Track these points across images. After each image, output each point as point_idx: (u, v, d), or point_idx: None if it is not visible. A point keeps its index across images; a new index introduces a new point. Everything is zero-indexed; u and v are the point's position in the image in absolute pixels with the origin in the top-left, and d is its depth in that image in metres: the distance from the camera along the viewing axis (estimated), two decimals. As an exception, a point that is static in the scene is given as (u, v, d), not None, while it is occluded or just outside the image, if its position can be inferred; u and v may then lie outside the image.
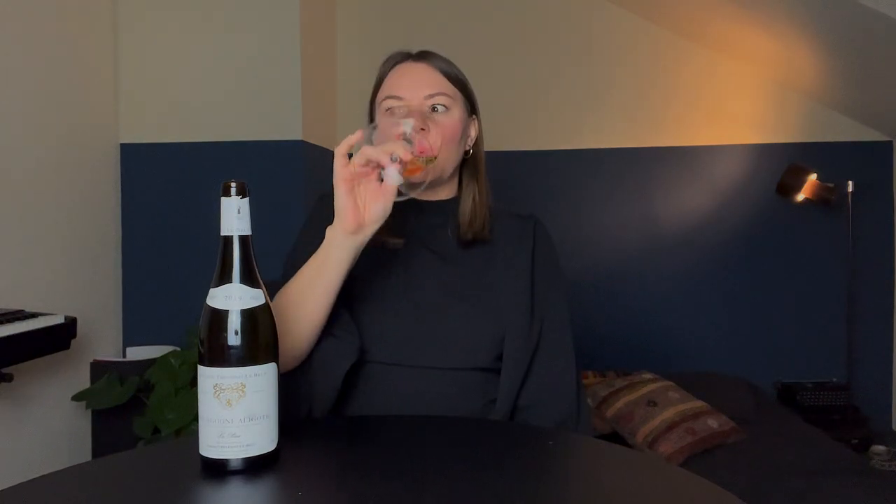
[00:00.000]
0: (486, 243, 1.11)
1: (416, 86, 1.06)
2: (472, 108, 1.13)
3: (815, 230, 3.14)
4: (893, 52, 2.39)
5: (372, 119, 1.13)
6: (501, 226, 1.13)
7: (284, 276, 1.01)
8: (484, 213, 1.11)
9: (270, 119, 2.65)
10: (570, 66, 3.24)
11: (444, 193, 1.13)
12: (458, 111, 1.08)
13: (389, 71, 1.09)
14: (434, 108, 1.06)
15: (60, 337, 1.98)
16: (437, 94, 1.06)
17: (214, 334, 0.75)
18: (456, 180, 1.14)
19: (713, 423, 2.39)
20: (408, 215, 1.11)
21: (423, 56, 1.09)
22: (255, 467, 0.75)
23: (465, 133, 1.10)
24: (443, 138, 1.05)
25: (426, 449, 0.82)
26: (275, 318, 0.79)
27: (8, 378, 1.81)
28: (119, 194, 2.66)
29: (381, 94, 1.09)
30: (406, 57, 1.09)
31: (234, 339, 0.75)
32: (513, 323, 1.05)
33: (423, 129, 1.03)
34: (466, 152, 1.13)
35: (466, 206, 1.10)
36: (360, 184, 0.89)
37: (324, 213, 1.12)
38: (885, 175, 3.12)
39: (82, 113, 2.46)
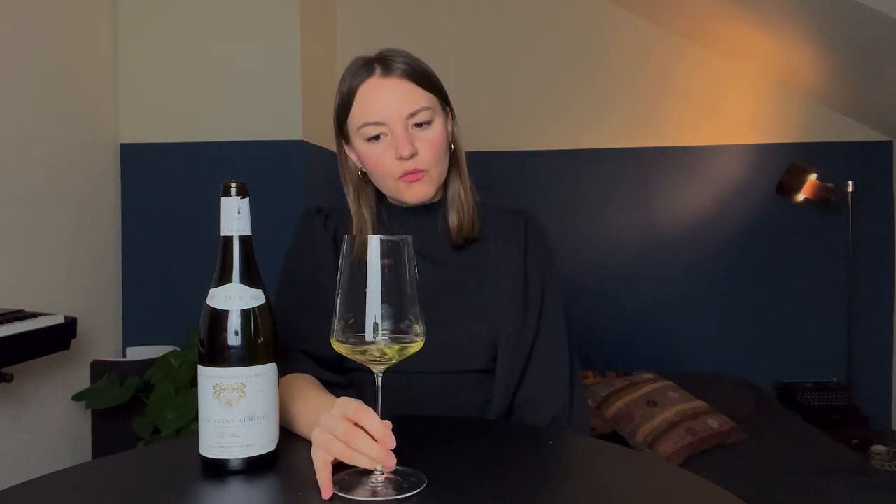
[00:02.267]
0: (477, 242, 1.09)
1: (392, 105, 0.99)
2: (445, 102, 1.07)
3: (815, 230, 3.14)
4: (893, 52, 2.39)
5: (342, 134, 1.06)
6: (493, 223, 1.12)
7: (279, 305, 0.98)
8: (472, 213, 1.08)
9: (270, 119, 2.65)
10: (569, 66, 3.24)
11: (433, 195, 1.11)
12: (439, 119, 1.03)
13: (357, 89, 1.01)
14: (418, 125, 1.01)
15: (60, 337, 1.98)
16: (418, 110, 1.00)
17: (214, 334, 0.75)
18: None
19: (713, 423, 2.39)
20: (394, 219, 1.10)
21: (387, 68, 1.00)
22: (255, 467, 0.75)
23: (448, 134, 1.06)
24: (431, 157, 1.02)
25: (426, 449, 0.82)
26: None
27: (8, 378, 1.81)
28: (119, 194, 2.66)
29: (354, 118, 1.02)
30: (370, 71, 1.01)
31: (234, 339, 0.75)
32: (507, 322, 1.05)
33: (413, 156, 1.00)
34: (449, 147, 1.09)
35: (454, 212, 1.07)
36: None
37: (311, 233, 1.11)
38: (885, 175, 3.12)
39: (82, 113, 2.46)
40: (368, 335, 0.70)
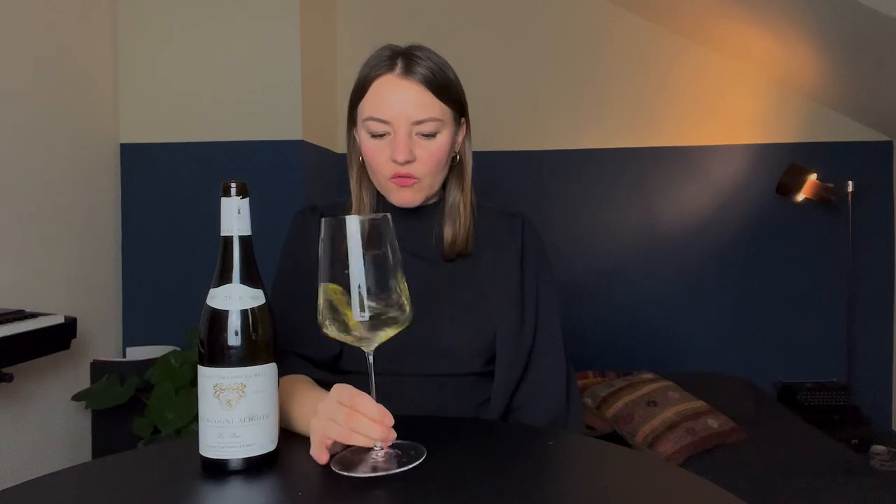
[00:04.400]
0: (474, 246, 1.09)
1: (402, 108, 0.98)
2: (460, 113, 1.06)
3: (815, 230, 3.14)
4: (893, 52, 2.39)
5: (352, 120, 1.05)
6: (489, 225, 1.11)
7: (273, 306, 0.96)
8: (468, 229, 1.07)
9: (270, 119, 2.65)
10: (569, 66, 3.24)
11: (429, 198, 1.09)
12: (446, 132, 1.02)
13: (374, 81, 1.00)
14: (423, 134, 1.00)
15: (60, 337, 1.98)
16: (426, 120, 0.99)
17: (214, 334, 0.75)
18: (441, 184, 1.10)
19: (713, 423, 2.39)
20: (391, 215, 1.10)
21: (409, 69, 0.98)
22: (255, 467, 0.75)
23: (451, 147, 1.05)
24: (427, 167, 1.01)
25: (426, 448, 0.82)
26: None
27: (8, 378, 1.81)
28: (119, 194, 2.66)
29: (364, 108, 1.01)
30: (392, 66, 0.99)
31: (234, 340, 0.75)
32: (503, 326, 1.05)
33: (409, 162, 0.99)
34: (453, 158, 1.07)
35: (450, 224, 1.06)
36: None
37: (304, 232, 1.10)
38: (885, 175, 3.12)
39: (82, 113, 2.46)
40: (355, 315, 0.70)
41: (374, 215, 0.72)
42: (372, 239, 0.71)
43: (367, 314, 0.70)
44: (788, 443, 2.37)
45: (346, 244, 0.70)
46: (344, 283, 0.70)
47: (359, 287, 0.70)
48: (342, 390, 0.76)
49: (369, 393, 0.76)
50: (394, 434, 0.72)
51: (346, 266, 0.70)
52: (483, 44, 3.20)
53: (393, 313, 0.71)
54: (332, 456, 0.76)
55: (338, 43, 3.25)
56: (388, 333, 0.73)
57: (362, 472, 0.70)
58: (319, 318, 0.73)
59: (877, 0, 2.12)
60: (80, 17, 2.44)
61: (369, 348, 0.74)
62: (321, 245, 0.73)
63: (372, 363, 0.75)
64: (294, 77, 2.65)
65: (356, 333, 0.71)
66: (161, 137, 2.66)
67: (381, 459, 0.72)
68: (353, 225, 0.70)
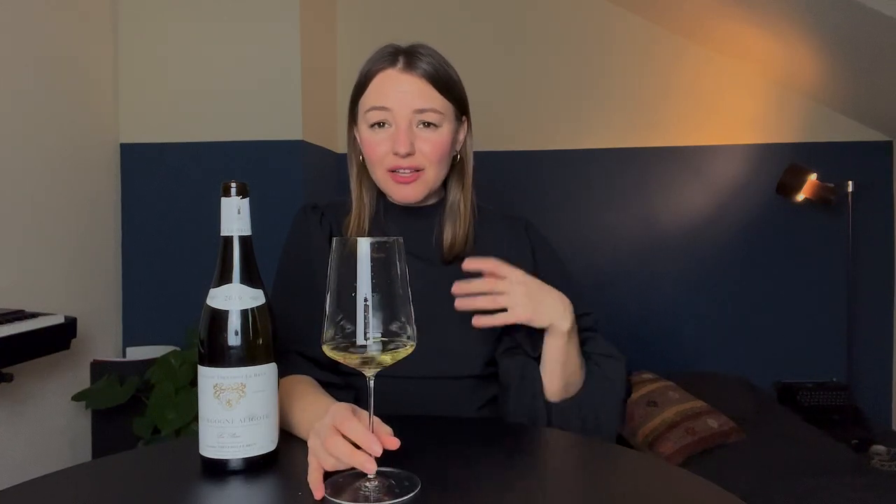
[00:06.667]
0: (473, 248, 1.08)
1: (404, 98, 0.99)
2: (462, 111, 1.06)
3: (815, 230, 3.14)
4: (893, 52, 2.39)
5: (353, 118, 1.06)
6: (491, 228, 1.11)
7: (275, 305, 0.90)
8: (467, 229, 1.07)
9: (270, 119, 2.65)
10: (569, 66, 3.24)
11: (430, 198, 1.09)
12: (447, 125, 1.02)
13: (375, 76, 1.01)
14: (423, 124, 1.00)
15: (60, 337, 1.98)
16: (427, 110, 0.99)
17: (214, 334, 0.75)
18: (442, 184, 1.10)
19: (713, 423, 2.39)
20: (391, 216, 1.09)
21: (410, 64, 1.00)
22: (255, 467, 0.75)
23: (454, 144, 1.05)
24: (431, 157, 1.01)
25: (426, 449, 0.82)
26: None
27: (8, 378, 1.81)
28: (119, 194, 2.66)
29: (365, 101, 1.02)
30: (394, 61, 1.00)
31: (234, 340, 0.75)
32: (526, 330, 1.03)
33: (410, 154, 0.99)
34: (454, 157, 1.07)
35: (450, 225, 1.06)
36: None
37: (306, 231, 1.10)
38: (885, 175, 3.12)
39: (82, 113, 2.46)
40: (359, 339, 0.68)
41: (385, 239, 0.69)
42: (382, 263, 0.69)
43: (370, 339, 0.68)
44: (788, 443, 2.37)
45: (355, 267, 0.68)
46: (350, 306, 0.68)
47: (364, 312, 0.68)
48: (337, 412, 0.74)
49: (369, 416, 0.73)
50: (373, 464, 0.69)
51: (354, 290, 0.68)
52: (483, 44, 3.20)
53: (398, 340, 0.70)
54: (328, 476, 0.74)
55: (338, 43, 3.25)
56: (390, 360, 0.71)
57: (350, 501, 0.68)
58: (323, 338, 0.70)
59: (876, 0, 2.12)
60: (80, 18, 2.44)
61: (370, 373, 0.72)
62: (329, 263, 0.70)
63: (372, 387, 0.73)
64: (294, 77, 2.65)
65: (358, 358, 0.69)
66: (161, 137, 2.66)
67: (372, 489, 0.70)
68: (365, 246, 0.68)
